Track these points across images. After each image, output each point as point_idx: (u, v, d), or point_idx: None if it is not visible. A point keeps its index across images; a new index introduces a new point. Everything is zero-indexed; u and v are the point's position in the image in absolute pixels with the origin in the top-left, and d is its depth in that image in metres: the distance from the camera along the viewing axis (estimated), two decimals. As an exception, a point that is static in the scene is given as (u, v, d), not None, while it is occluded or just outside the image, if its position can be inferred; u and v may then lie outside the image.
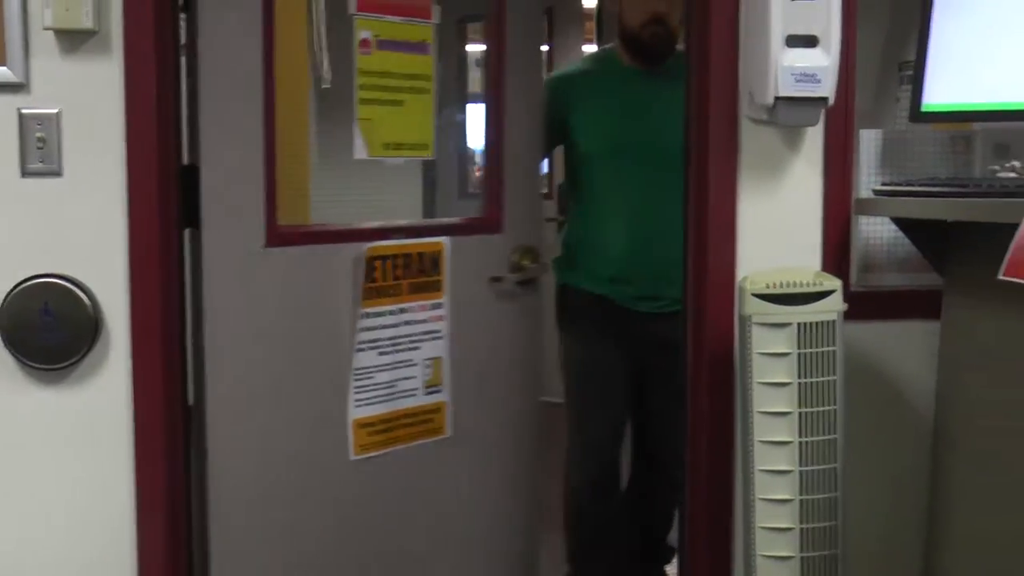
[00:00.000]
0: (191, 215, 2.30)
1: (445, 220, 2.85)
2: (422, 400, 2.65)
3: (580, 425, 3.27)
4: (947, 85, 2.32)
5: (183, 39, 2.29)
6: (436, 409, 2.68)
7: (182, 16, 2.28)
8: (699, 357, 2.40)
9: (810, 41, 2.21)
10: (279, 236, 2.40)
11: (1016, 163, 2.14)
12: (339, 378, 2.53)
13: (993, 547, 2.14)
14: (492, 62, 2.82)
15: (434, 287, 2.64)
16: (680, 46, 2.95)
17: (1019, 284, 1.68)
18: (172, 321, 2.21)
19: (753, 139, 2.34)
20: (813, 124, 2.30)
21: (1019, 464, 2.08)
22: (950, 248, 2.34)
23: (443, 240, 2.66)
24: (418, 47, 2.64)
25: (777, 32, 2.19)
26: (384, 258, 2.53)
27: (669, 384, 2.95)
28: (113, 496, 2.19)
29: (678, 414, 2.71)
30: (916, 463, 2.43)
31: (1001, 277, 1.71)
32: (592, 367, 3.24)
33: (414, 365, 2.63)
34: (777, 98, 2.20)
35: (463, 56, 7.06)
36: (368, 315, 2.52)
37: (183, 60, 2.28)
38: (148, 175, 2.14)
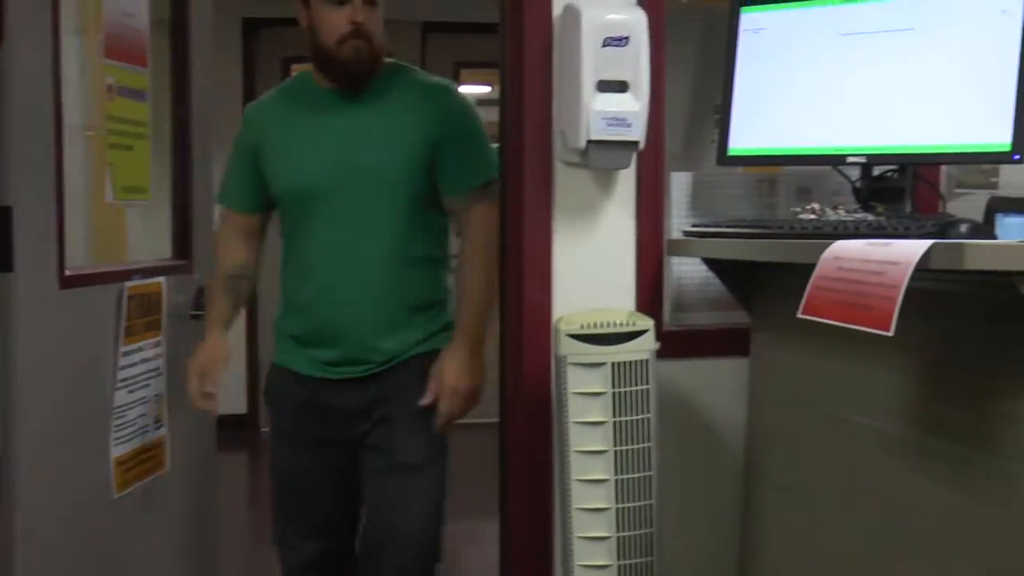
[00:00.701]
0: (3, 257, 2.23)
1: (156, 261, 2.84)
2: (152, 436, 2.73)
3: (280, 537, 2.71)
4: (752, 130, 2.41)
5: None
6: (160, 444, 2.76)
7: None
8: (517, 397, 2.41)
9: (620, 86, 2.26)
10: (70, 278, 2.38)
11: (816, 205, 2.22)
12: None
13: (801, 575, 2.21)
14: (178, 111, 2.95)
15: (156, 325, 2.72)
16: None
17: (817, 322, 1.75)
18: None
19: (567, 182, 2.38)
20: (625, 167, 2.35)
21: (823, 495, 2.15)
22: (757, 287, 2.42)
23: (162, 280, 2.75)
24: (140, 95, 2.73)
25: (588, 77, 2.24)
26: (132, 297, 2.59)
27: (382, 456, 2.55)
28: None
29: (396, 493, 2.49)
30: (729, 496, 2.49)
31: (800, 315, 1.77)
32: (285, 466, 2.69)
33: (147, 402, 2.70)
34: (589, 141, 2.25)
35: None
36: (124, 353, 2.57)
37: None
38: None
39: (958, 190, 3.60)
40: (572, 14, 2.28)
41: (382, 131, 2.47)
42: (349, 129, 2.52)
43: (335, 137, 2.52)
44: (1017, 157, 2.05)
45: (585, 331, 2.15)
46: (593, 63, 2.24)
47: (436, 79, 2.62)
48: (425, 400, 2.47)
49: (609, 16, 2.26)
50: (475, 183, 2.52)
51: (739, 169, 2.59)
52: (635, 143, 2.29)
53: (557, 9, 2.35)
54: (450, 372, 2.47)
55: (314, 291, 2.55)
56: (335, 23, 2.46)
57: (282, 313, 2.66)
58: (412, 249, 2.51)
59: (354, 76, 2.51)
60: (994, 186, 3.71)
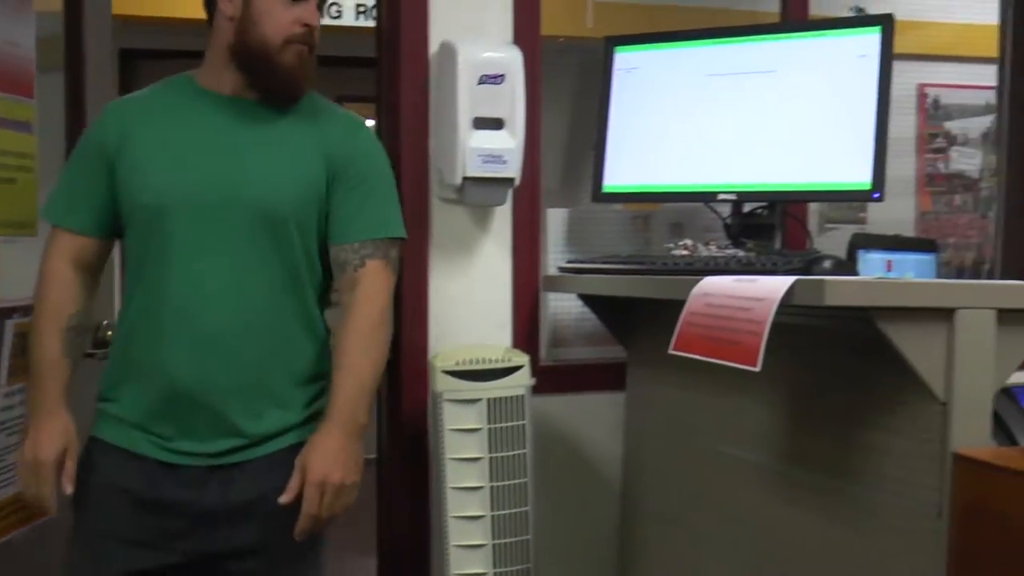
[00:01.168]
0: None
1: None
2: None
3: None
4: (626, 167, 2.45)
5: None
6: None
7: None
8: (394, 434, 2.40)
9: (496, 123, 2.28)
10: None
11: (689, 241, 2.26)
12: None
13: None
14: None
15: None
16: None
17: (688, 357, 1.77)
18: None
19: (444, 218, 2.38)
20: (501, 204, 2.36)
21: (697, 525, 2.18)
22: (631, 323, 2.45)
23: None
24: (25, 126, 2.61)
25: (464, 114, 2.25)
26: (14, 335, 2.46)
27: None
28: None
29: None
30: (607, 529, 2.51)
31: (671, 351, 1.79)
32: None
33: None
34: (465, 178, 2.26)
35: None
36: (6, 395, 2.44)
37: None
38: None
39: (828, 225, 3.71)
40: (448, 51, 2.29)
41: (279, 156, 2.03)
42: (238, 146, 2.04)
43: (218, 152, 2.03)
44: (877, 195, 2.12)
45: (461, 367, 2.15)
46: (469, 100, 2.25)
47: (349, 112, 2.19)
48: (285, 497, 1.91)
49: (485, 54, 2.28)
50: (373, 234, 2.03)
51: (616, 205, 2.63)
52: (511, 180, 2.30)
53: (433, 46, 2.36)
54: (316, 465, 1.91)
55: (165, 345, 1.97)
56: (284, 20, 2.03)
57: (112, 375, 2.06)
58: (299, 304, 2.02)
59: (284, 85, 2.06)
60: (863, 221, 3.84)
